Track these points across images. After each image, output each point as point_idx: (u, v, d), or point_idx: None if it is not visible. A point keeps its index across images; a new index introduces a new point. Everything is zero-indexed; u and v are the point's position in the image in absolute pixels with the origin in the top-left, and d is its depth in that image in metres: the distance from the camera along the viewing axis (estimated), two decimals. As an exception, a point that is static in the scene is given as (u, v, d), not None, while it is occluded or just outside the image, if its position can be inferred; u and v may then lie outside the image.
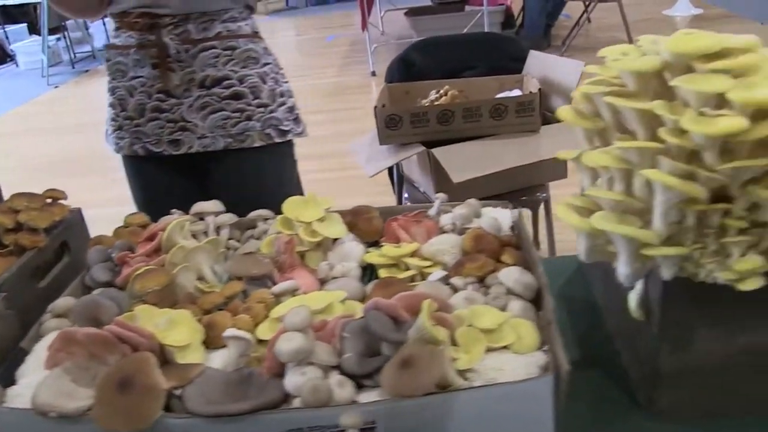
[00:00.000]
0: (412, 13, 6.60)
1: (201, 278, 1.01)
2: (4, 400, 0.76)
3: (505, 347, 0.76)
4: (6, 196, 1.19)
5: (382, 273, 0.95)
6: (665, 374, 0.79)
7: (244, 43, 1.55)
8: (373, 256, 0.97)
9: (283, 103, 1.62)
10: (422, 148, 2.24)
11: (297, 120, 1.68)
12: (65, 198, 1.19)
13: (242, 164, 1.60)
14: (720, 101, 0.64)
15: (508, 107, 2.15)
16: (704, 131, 0.61)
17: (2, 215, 1.09)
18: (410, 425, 0.70)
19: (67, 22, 8.60)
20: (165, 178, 1.63)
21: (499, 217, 1.01)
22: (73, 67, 8.53)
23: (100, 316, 0.86)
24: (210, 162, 1.59)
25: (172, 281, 0.95)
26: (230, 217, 1.12)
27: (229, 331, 0.81)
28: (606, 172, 0.71)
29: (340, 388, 0.74)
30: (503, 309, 0.82)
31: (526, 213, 2.55)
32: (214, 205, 1.13)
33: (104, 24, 7.87)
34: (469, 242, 0.94)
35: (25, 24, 9.70)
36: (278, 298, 0.91)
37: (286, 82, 1.68)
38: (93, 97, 6.85)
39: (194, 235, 1.09)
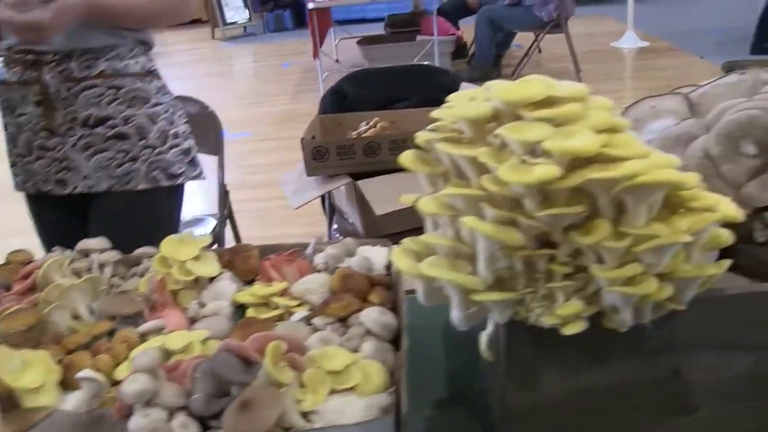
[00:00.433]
0: (365, 41, 6.65)
1: (77, 317, 1.00)
2: None
3: (351, 389, 0.77)
4: None
5: (250, 312, 0.95)
6: (514, 413, 0.80)
7: (131, 81, 1.52)
8: (245, 295, 0.98)
9: (176, 145, 1.59)
10: (348, 180, 2.25)
11: (193, 163, 1.64)
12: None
13: (127, 206, 1.56)
14: (543, 149, 0.66)
15: (431, 140, 2.17)
16: (518, 180, 0.63)
17: None
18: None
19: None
20: (54, 216, 1.61)
21: (373, 256, 1.03)
22: None
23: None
24: (95, 202, 1.56)
25: (41, 321, 0.94)
26: (114, 255, 1.11)
27: (82, 372, 0.81)
28: (438, 217, 0.72)
29: (183, 429, 0.74)
30: (356, 350, 0.83)
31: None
32: (98, 242, 1.12)
33: None
34: (337, 282, 0.95)
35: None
36: (144, 337, 0.91)
37: (185, 122, 1.65)
38: None
39: (77, 273, 1.09)
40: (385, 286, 0.96)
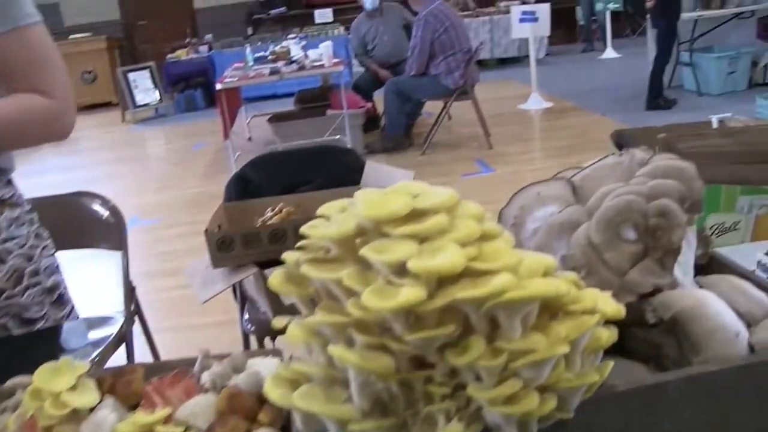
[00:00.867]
0: (275, 119, 6.65)
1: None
2: None
3: None
4: None
5: (131, 446, 0.89)
6: None
7: None
8: (126, 425, 0.91)
9: (34, 284, 1.38)
10: (255, 269, 2.20)
11: (60, 302, 1.43)
12: None
13: None
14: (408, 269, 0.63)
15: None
16: (382, 307, 0.60)
17: None
18: None
19: None
20: None
21: (264, 369, 0.97)
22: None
23: None
24: None
25: None
26: (-17, 387, 1.03)
27: None
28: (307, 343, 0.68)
29: None
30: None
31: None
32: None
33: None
34: (223, 403, 0.89)
35: None
36: (9, 487, 0.83)
37: (51, 255, 1.44)
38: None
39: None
40: (275, 404, 0.91)
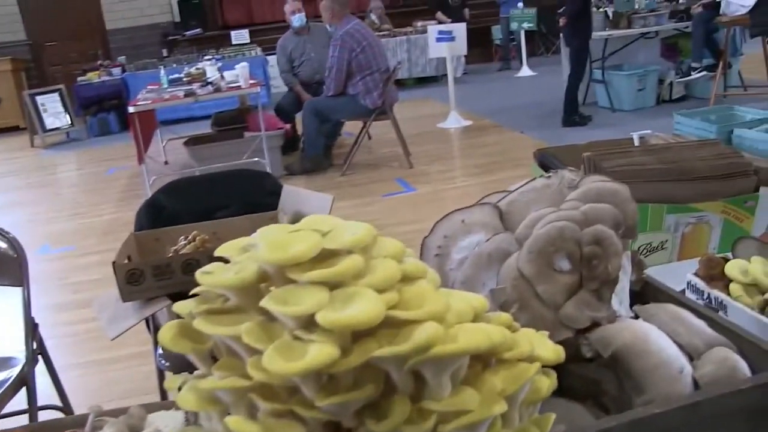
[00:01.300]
0: (191, 142, 6.45)
1: None
2: None
3: None
4: None
5: None
6: None
7: None
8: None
9: None
10: (168, 302, 2.06)
11: None
12: None
13: None
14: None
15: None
16: (286, 370, 0.50)
17: None
18: None
19: None
20: None
21: (166, 424, 0.87)
22: None
23: None
24: None
25: None
26: None
27: None
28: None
29: None
30: None
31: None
32: None
33: None
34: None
35: None
36: None
37: None
38: None
39: None
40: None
